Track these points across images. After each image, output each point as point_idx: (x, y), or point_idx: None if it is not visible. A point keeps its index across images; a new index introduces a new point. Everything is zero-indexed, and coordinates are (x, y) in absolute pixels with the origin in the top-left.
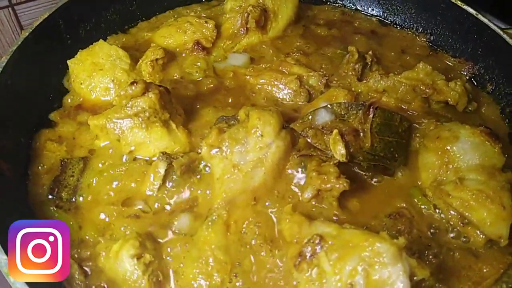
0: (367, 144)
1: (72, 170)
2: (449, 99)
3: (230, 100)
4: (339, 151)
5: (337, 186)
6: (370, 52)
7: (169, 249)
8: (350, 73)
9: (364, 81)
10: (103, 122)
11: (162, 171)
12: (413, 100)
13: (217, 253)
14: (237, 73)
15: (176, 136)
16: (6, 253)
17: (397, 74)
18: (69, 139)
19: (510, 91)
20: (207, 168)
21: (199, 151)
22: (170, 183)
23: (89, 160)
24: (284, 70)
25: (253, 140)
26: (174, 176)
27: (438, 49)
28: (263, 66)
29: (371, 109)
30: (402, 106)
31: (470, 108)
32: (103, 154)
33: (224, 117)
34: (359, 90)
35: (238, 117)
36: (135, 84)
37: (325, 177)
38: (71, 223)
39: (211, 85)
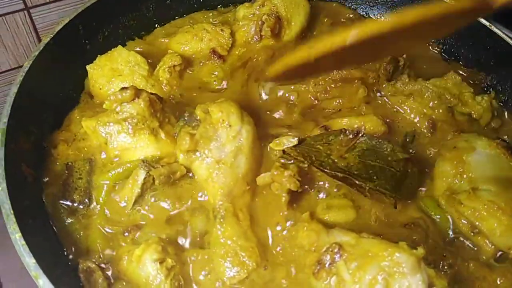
0: (342, 164)
1: (79, 173)
2: (473, 113)
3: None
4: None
5: (285, 182)
6: (404, 55)
7: (193, 257)
8: (381, 72)
9: (392, 82)
10: (94, 124)
11: (140, 179)
12: (437, 108)
13: (241, 242)
14: (300, 92)
15: (164, 145)
16: (34, 257)
17: (424, 78)
18: (78, 141)
19: None
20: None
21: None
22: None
23: (94, 162)
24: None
25: (224, 133)
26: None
27: (451, 59)
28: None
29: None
30: (424, 110)
31: (493, 125)
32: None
33: (184, 120)
34: (388, 93)
35: (198, 117)
36: (125, 90)
37: (283, 172)
38: (81, 233)
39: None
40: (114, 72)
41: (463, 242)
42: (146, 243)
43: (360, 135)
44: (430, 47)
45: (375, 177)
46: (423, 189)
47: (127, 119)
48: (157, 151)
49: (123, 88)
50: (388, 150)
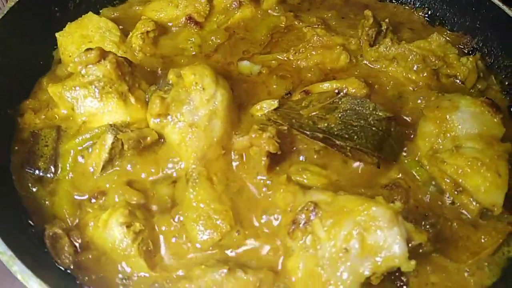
0: (322, 125)
1: (45, 140)
2: (458, 74)
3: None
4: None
5: (264, 144)
6: (386, 20)
7: (164, 226)
8: (364, 38)
9: (375, 47)
10: (60, 90)
11: (108, 144)
12: (422, 71)
13: (214, 205)
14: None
15: (134, 110)
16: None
17: (409, 42)
18: (46, 109)
19: (509, 63)
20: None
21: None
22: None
23: (62, 129)
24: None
25: (197, 96)
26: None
27: (436, 23)
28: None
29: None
30: (409, 76)
31: (479, 86)
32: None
33: (156, 85)
34: (371, 58)
35: (170, 81)
36: (90, 51)
37: (261, 134)
38: (48, 200)
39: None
40: (84, 39)
41: (446, 201)
42: (113, 207)
43: (341, 94)
44: (414, 12)
45: (355, 137)
46: (405, 152)
47: (93, 82)
48: (127, 117)
49: (87, 49)
50: (370, 109)
